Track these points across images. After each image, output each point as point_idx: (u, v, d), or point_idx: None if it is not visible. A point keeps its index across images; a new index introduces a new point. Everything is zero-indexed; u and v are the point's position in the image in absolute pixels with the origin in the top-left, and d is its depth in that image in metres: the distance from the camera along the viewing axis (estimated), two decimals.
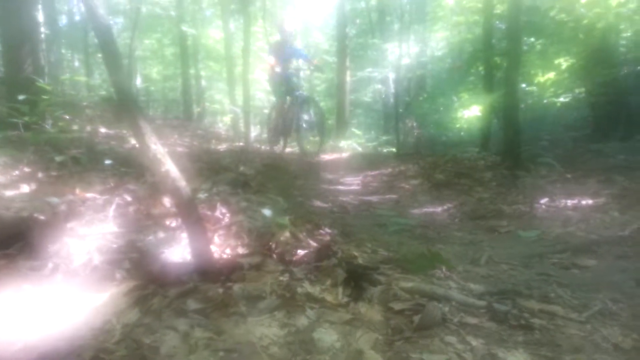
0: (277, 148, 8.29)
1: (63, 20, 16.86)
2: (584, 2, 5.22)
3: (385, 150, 9.98)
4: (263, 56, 11.53)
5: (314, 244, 2.02)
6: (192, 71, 14.26)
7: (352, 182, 5.60)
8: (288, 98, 7.63)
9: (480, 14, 7.32)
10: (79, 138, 4.23)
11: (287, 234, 1.98)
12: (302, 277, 1.63)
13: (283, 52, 7.62)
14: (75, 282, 1.55)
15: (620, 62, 6.92)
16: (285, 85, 7.60)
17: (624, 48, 7.61)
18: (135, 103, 1.53)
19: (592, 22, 5.58)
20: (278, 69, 7.58)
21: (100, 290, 1.48)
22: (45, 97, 3.59)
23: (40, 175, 3.04)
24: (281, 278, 1.60)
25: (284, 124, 7.72)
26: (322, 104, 18.02)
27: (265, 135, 8.99)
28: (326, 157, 9.26)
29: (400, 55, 11.06)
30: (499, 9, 7.00)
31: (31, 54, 4.76)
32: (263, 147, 8.42)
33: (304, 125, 7.58)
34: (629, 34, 7.36)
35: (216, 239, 1.95)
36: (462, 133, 8.85)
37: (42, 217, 2.06)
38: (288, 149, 9.94)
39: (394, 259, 2.10)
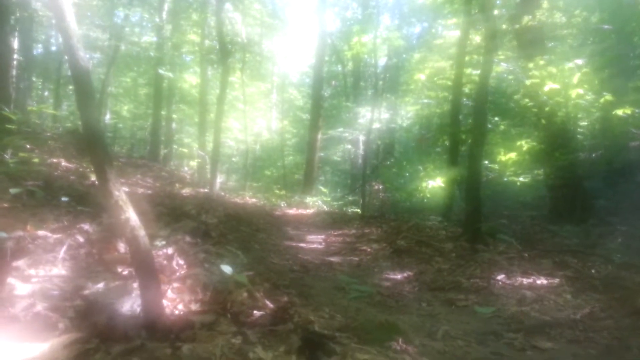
0: None
1: (39, 48, 16.68)
2: (547, 90, 5.55)
3: (350, 210, 10.03)
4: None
5: (270, 305, 1.96)
6: (163, 112, 14.19)
7: (314, 240, 5.56)
8: None
9: (450, 91, 7.70)
10: (38, 171, 4.09)
11: (244, 293, 1.92)
12: (255, 340, 1.57)
13: None
14: (14, 328, 1.44)
15: (578, 148, 7.33)
16: None
17: (581, 136, 8.10)
18: (103, 147, 1.50)
19: (553, 109, 5.93)
20: None
21: (40, 339, 1.38)
22: (9, 126, 3.48)
23: None
24: (233, 340, 1.54)
25: None
26: (290, 158, 18.22)
27: (232, 183, 8.61)
28: (291, 211, 9.23)
29: (371, 120, 11.39)
30: (468, 87, 7.38)
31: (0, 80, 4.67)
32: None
33: None
34: (585, 124, 7.86)
35: (169, 292, 1.87)
36: (425, 200, 9.05)
37: None
38: (252, 199, 9.86)
39: (351, 327, 2.06)
